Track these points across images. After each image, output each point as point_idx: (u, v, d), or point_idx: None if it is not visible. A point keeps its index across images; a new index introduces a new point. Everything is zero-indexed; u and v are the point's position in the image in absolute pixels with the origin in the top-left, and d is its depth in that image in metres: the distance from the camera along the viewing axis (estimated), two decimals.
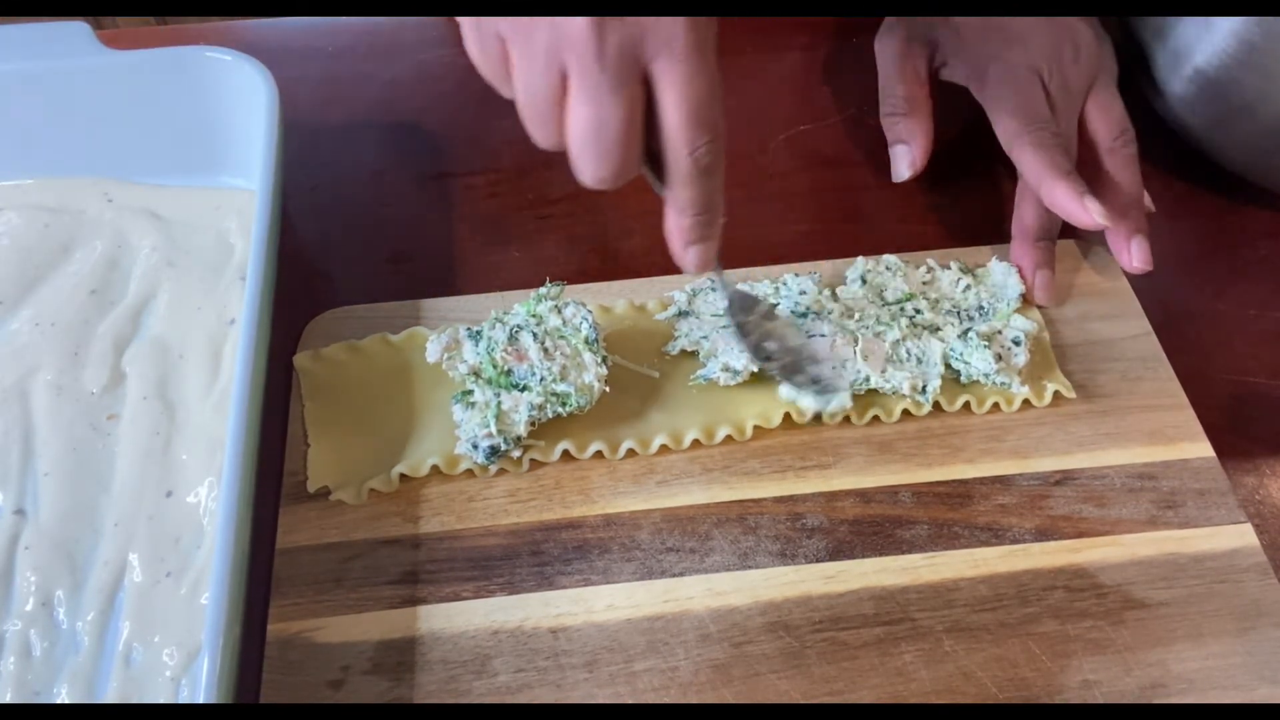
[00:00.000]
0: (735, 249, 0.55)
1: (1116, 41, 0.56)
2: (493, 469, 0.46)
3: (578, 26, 0.35)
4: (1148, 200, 0.53)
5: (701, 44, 0.36)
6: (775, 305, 0.49)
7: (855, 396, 0.48)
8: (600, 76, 0.36)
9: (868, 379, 0.47)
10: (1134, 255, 0.50)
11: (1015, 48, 0.53)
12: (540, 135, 0.39)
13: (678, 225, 0.41)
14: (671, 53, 0.36)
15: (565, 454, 0.46)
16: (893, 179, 0.56)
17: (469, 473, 0.46)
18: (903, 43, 0.57)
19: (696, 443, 0.47)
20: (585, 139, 0.37)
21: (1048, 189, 0.49)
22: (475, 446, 0.45)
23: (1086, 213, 0.48)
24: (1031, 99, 0.51)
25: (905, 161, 0.56)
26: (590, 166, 0.38)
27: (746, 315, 0.48)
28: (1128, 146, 0.52)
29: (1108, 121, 0.52)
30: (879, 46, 0.60)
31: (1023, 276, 0.51)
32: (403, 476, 0.46)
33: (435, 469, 0.46)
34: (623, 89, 0.36)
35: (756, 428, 0.47)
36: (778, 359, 0.47)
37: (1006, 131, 0.51)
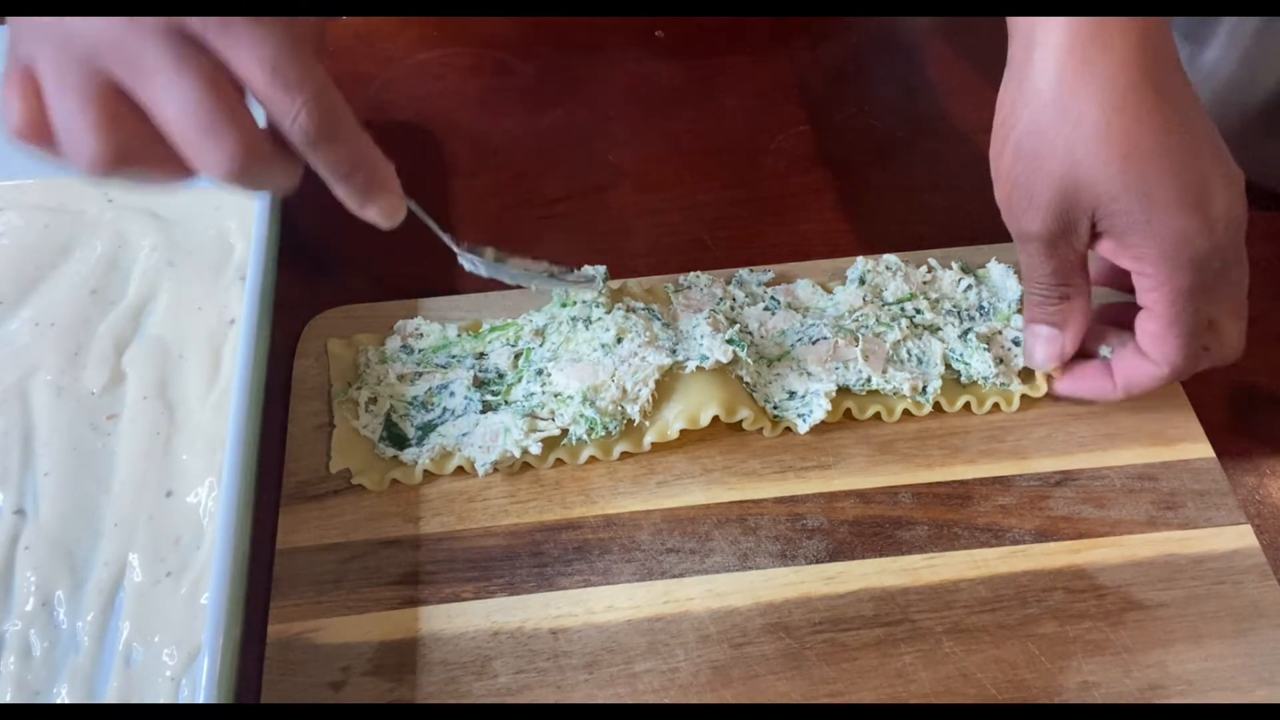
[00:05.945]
0: (735, 249, 0.56)
1: None
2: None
3: (109, 30, 0.33)
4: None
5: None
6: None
7: (856, 396, 0.48)
8: (159, 62, 0.33)
9: (869, 379, 0.47)
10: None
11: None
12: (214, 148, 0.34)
13: (340, 195, 0.38)
14: (223, 26, 0.33)
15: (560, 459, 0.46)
16: (1024, 363, 0.47)
17: (461, 470, 0.46)
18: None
19: (695, 440, 0.47)
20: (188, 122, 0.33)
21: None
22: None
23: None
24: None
25: (1054, 349, 0.46)
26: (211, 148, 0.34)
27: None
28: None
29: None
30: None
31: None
32: (426, 473, 0.46)
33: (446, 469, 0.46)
34: (188, 68, 0.33)
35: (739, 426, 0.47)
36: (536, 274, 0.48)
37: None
